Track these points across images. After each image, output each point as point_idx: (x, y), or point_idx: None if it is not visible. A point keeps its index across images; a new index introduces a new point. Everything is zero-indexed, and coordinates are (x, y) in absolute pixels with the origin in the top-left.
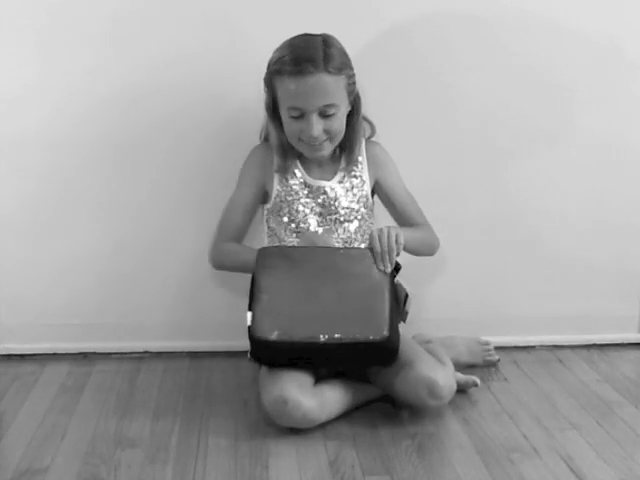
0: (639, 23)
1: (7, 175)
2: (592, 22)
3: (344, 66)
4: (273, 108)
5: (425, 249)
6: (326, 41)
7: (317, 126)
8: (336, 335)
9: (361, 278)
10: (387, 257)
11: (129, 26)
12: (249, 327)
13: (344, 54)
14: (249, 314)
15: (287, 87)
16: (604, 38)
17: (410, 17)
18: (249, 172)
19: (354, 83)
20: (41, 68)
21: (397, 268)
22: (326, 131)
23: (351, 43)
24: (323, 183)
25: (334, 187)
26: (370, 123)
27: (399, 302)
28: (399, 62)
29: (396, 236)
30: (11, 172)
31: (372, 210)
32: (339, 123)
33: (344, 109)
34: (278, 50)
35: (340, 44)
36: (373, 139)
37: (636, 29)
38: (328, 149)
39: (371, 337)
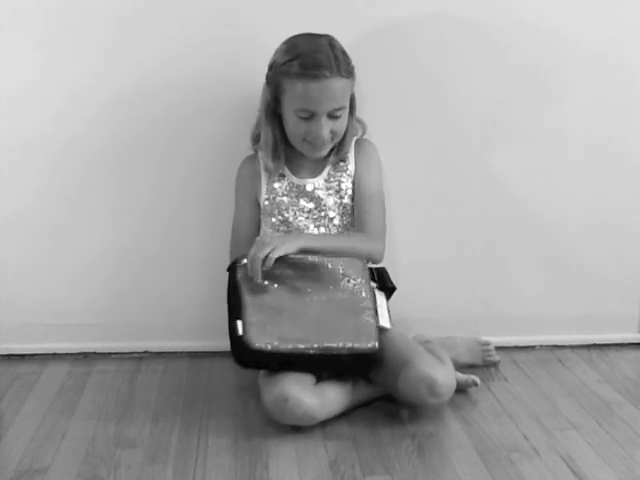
0: (637, 24)
1: (8, 176)
2: (591, 23)
3: (352, 69)
4: (274, 109)
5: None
6: (332, 44)
7: (326, 128)
8: (326, 344)
9: (347, 288)
10: (251, 265)
11: (130, 27)
12: (239, 337)
13: (347, 55)
14: (239, 323)
15: (298, 90)
16: (603, 39)
17: (408, 17)
18: (240, 188)
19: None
20: (42, 70)
21: (391, 289)
22: (332, 131)
23: (350, 43)
24: (309, 181)
25: (320, 184)
26: (361, 122)
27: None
28: (398, 62)
29: (270, 250)
30: (12, 173)
31: None
32: (344, 123)
33: (347, 109)
34: (285, 52)
35: (341, 45)
36: (365, 137)
37: (635, 30)
38: (328, 148)
39: (362, 346)
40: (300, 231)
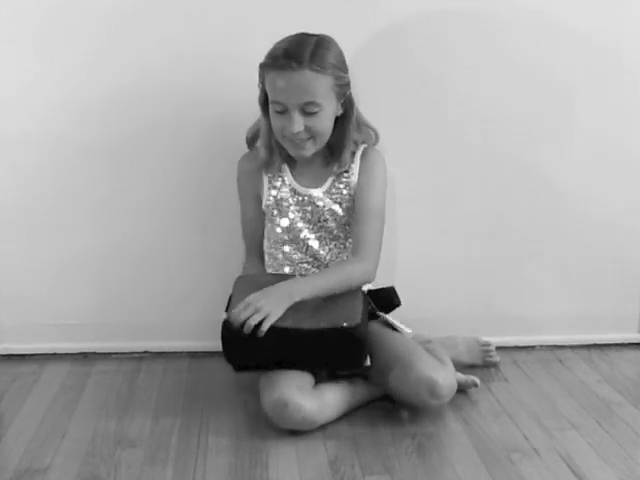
0: (637, 23)
1: (6, 175)
2: (591, 22)
3: (331, 66)
4: (264, 101)
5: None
6: (320, 41)
7: (298, 123)
8: (302, 326)
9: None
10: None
11: (126, 26)
12: (224, 321)
13: (337, 57)
14: (225, 314)
15: (272, 81)
16: (603, 38)
17: (409, 17)
18: (242, 186)
19: (346, 86)
20: (38, 67)
21: (395, 305)
22: (308, 129)
23: (349, 44)
24: (311, 191)
25: (322, 195)
26: (374, 130)
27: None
28: (397, 63)
29: (263, 317)
30: (10, 172)
31: None
32: (323, 124)
33: (330, 110)
34: (275, 44)
35: (337, 47)
36: (377, 147)
37: (635, 29)
38: (311, 149)
39: (342, 324)
40: (291, 275)
